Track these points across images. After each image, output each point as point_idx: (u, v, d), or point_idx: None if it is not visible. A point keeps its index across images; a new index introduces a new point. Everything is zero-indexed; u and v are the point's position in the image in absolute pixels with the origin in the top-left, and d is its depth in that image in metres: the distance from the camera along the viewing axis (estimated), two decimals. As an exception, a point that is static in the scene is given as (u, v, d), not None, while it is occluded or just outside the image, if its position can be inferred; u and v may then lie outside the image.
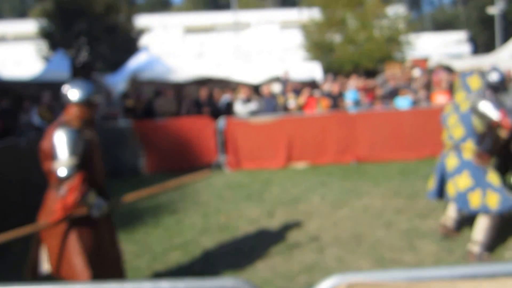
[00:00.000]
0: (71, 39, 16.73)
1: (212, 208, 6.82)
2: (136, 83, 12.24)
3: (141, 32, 19.85)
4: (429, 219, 5.74)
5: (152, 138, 9.54)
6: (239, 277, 4.37)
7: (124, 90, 11.86)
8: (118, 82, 12.07)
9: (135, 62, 13.13)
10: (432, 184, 4.96)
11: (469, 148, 4.53)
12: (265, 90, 10.66)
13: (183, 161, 9.51)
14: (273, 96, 10.67)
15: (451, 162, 4.70)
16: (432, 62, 17.78)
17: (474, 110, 4.51)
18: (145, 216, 6.55)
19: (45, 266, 3.52)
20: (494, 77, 4.70)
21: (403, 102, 10.48)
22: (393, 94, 11.03)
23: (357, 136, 9.48)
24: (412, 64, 17.69)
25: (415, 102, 10.49)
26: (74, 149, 3.32)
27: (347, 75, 15.65)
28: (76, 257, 3.37)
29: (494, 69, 4.83)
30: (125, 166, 9.41)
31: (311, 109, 10.74)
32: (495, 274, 1.72)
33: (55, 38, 16.97)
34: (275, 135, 9.50)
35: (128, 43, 18.03)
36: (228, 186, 8.20)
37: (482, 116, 4.46)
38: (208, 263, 4.78)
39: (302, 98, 10.90)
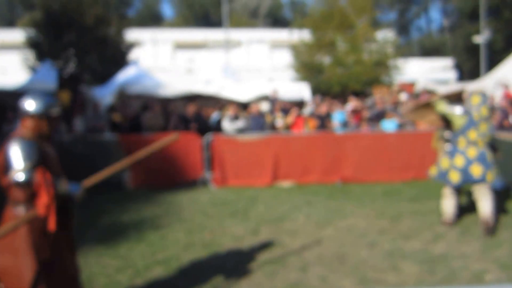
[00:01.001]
0: (59, 50, 16.61)
1: (196, 225, 6.78)
2: (124, 97, 12.21)
3: (131, 45, 19.81)
4: (413, 240, 5.78)
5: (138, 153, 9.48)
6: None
7: (111, 103, 11.82)
8: (105, 95, 12.02)
9: (124, 75, 13.13)
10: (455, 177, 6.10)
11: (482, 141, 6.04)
12: (253, 108, 10.71)
13: (169, 176, 9.47)
14: (260, 114, 10.72)
15: (472, 152, 6.02)
16: (419, 87, 18.05)
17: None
18: (128, 230, 6.48)
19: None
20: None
21: (389, 125, 10.61)
22: (379, 116, 11.16)
23: (343, 157, 9.54)
24: (399, 88, 17.93)
25: (401, 126, 10.63)
26: (28, 156, 3.24)
27: (335, 97, 15.80)
28: (23, 258, 3.29)
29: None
30: (109, 180, 9.27)
31: (298, 129, 10.81)
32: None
33: (42, 48, 16.85)
34: (261, 153, 9.51)
35: (117, 56, 17.97)
36: (213, 202, 8.17)
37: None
38: (191, 280, 4.74)
39: (290, 118, 10.97)
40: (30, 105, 3.39)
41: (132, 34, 21.15)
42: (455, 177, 6.06)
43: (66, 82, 12.29)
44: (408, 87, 19.14)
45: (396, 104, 12.76)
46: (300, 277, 4.74)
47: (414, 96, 15.06)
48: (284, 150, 9.54)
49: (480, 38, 28.95)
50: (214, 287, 4.56)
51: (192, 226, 6.68)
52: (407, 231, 6.13)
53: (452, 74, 29.86)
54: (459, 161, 6.03)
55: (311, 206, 7.62)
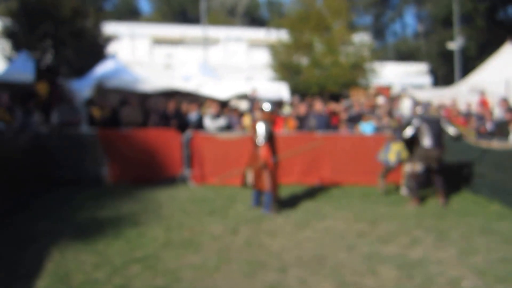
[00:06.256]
0: (35, 40, 16.24)
1: (175, 222, 6.72)
2: (101, 90, 12.00)
3: (108, 39, 19.52)
4: (390, 244, 5.84)
5: (117, 148, 9.36)
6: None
7: (89, 97, 11.59)
8: (83, 88, 11.76)
9: (102, 69, 12.87)
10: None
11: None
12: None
13: (148, 172, 9.39)
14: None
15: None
16: (395, 91, 18.30)
17: None
18: (106, 227, 6.38)
19: (250, 180, 7.31)
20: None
21: (366, 128, 10.72)
22: (357, 119, 11.27)
23: (322, 158, 9.61)
24: (376, 91, 18.14)
25: (378, 128, 10.74)
26: (266, 131, 7.07)
27: (313, 98, 15.87)
28: (273, 178, 7.18)
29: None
30: (87, 175, 9.18)
31: (278, 129, 10.81)
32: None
33: (19, 38, 16.46)
34: (241, 152, 9.48)
35: (94, 49, 17.68)
36: (192, 200, 8.13)
37: None
38: (169, 278, 4.70)
39: (270, 117, 10.97)
40: (266, 106, 7.35)
41: (109, 28, 20.84)
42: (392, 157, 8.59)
43: (44, 74, 12.01)
44: (384, 90, 19.39)
45: (373, 107, 12.92)
46: (279, 278, 4.74)
47: (391, 99, 15.26)
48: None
49: (454, 45, 29.51)
50: (192, 286, 4.53)
51: (171, 224, 6.63)
52: (385, 235, 6.20)
53: (427, 79, 30.39)
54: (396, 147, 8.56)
55: (290, 207, 7.65)
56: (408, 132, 7.96)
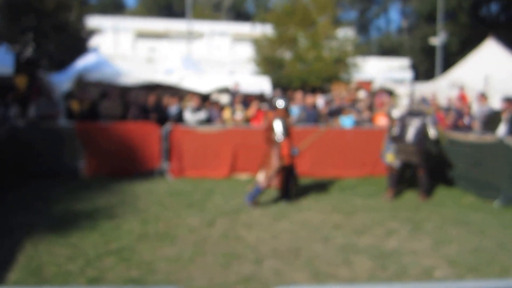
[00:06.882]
0: (16, 33, 16.02)
1: (151, 215, 6.69)
2: (82, 84, 11.88)
3: (91, 32, 19.33)
4: (365, 235, 5.90)
5: (95, 141, 9.26)
6: (175, 286, 4.32)
7: (68, 90, 11.48)
8: (63, 81, 11.64)
9: (83, 62, 12.75)
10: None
11: None
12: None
13: (126, 165, 9.31)
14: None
15: None
16: (376, 85, 18.41)
17: None
18: (81, 219, 6.32)
19: (260, 178, 7.28)
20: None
21: (346, 121, 10.77)
22: (337, 112, 11.31)
23: (301, 151, 9.61)
24: (357, 85, 18.24)
25: (358, 122, 10.80)
26: (283, 128, 7.22)
27: (295, 91, 15.90)
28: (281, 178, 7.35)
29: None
30: (64, 168, 9.09)
31: (258, 122, 10.82)
32: None
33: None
34: (220, 145, 9.49)
35: (77, 43, 17.49)
36: (170, 193, 8.09)
37: None
38: (144, 271, 4.68)
39: (251, 111, 10.98)
40: (280, 103, 7.48)
41: (93, 21, 20.67)
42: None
43: (23, 67, 11.87)
44: (365, 85, 19.52)
45: (354, 101, 12.98)
46: (254, 270, 4.76)
47: (371, 94, 15.35)
48: (243, 142, 9.54)
49: (436, 40, 29.74)
50: (167, 278, 4.52)
51: (147, 217, 6.60)
52: (361, 227, 6.26)
53: (408, 74, 30.57)
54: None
55: (268, 199, 7.66)
56: (396, 128, 7.94)
